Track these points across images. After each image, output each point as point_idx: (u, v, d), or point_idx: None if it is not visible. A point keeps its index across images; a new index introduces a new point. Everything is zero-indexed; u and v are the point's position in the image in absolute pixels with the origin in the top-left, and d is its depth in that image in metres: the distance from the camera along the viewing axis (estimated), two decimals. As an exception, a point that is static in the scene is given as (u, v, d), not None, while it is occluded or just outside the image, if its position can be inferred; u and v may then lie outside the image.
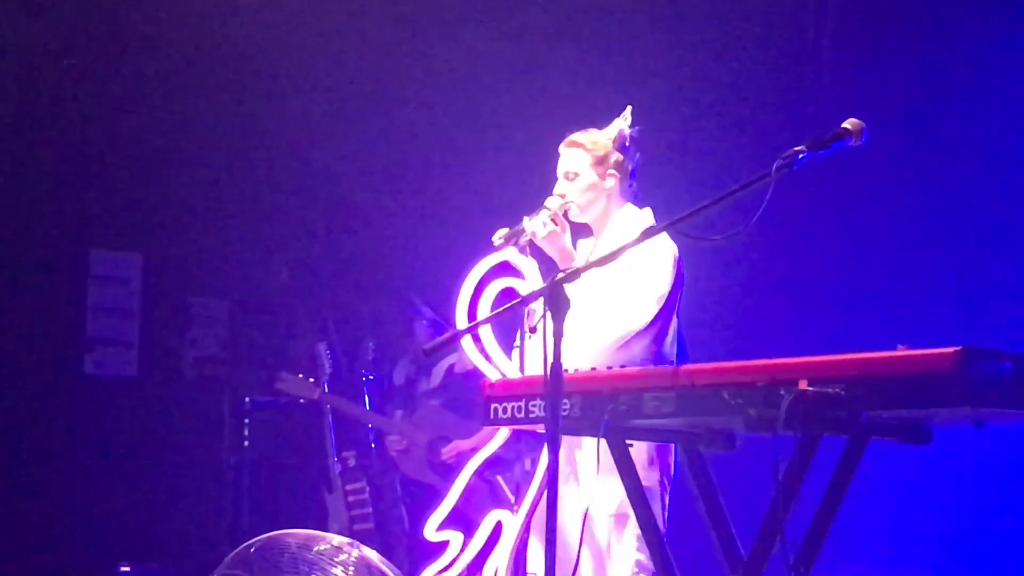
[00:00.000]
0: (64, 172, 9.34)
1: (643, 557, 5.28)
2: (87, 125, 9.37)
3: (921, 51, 8.22)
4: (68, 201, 9.36)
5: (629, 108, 5.55)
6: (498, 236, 5.47)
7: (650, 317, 5.27)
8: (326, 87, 9.66)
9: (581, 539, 4.86)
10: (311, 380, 8.60)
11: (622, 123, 5.54)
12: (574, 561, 4.91)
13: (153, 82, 9.45)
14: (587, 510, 4.98)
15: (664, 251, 5.33)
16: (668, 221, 4.29)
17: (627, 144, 5.53)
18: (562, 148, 5.57)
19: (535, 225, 5.42)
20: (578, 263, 5.50)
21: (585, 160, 5.50)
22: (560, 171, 5.54)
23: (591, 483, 5.12)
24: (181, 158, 9.56)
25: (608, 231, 5.48)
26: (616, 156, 5.51)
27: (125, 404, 9.53)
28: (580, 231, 5.64)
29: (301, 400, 8.69)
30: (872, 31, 8.54)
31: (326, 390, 8.60)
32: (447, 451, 8.13)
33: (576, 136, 5.55)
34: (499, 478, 6.40)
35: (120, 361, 9.71)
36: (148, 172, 9.53)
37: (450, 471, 5.97)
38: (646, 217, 5.48)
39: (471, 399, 6.75)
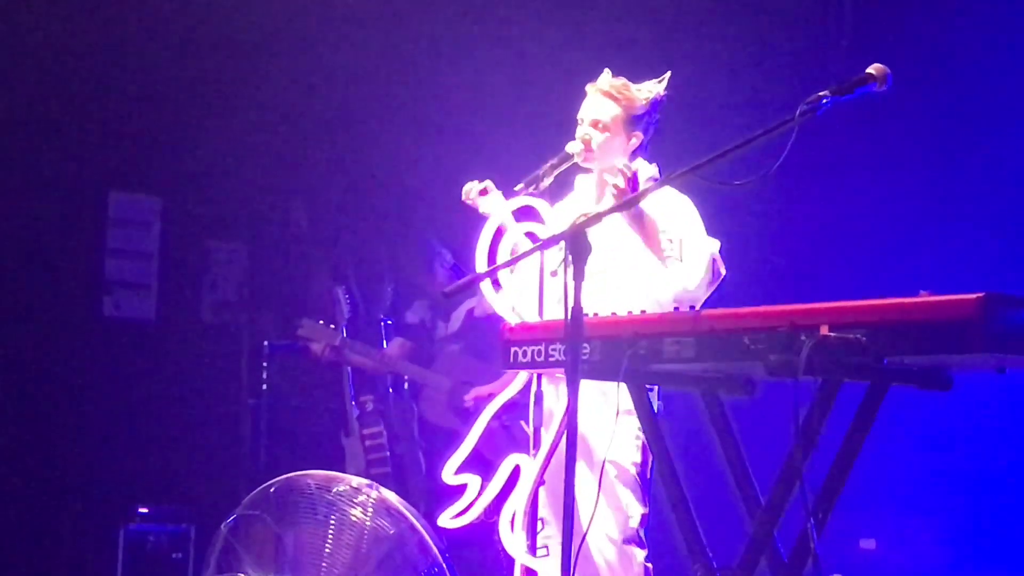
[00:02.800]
0: (84, 115, 9.32)
1: (640, 506, 5.32)
2: (107, 68, 9.35)
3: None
4: (88, 144, 9.35)
5: (668, 74, 5.51)
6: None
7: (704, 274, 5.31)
8: (346, 30, 9.62)
9: (599, 488, 4.88)
10: (331, 326, 8.60)
11: (658, 87, 5.50)
12: (587, 508, 4.94)
13: (174, 24, 9.42)
14: (600, 456, 5.02)
15: (692, 210, 5.35)
16: (691, 165, 4.26)
17: (658, 109, 5.51)
18: (592, 92, 5.51)
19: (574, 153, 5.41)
20: (578, 200, 5.52)
21: (617, 115, 5.46)
22: (586, 115, 5.49)
23: (595, 429, 5.17)
24: (201, 101, 9.54)
25: None
26: (647, 118, 5.49)
27: (143, 347, 9.55)
28: (579, 169, 5.60)
29: (316, 349, 8.67)
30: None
31: (344, 335, 8.59)
32: (469, 396, 8.15)
33: (611, 86, 5.48)
34: (522, 423, 6.41)
35: (139, 304, 9.73)
36: (168, 115, 9.52)
37: (471, 416, 5.99)
38: (655, 173, 5.48)
39: (491, 343, 6.76)
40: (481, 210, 5.58)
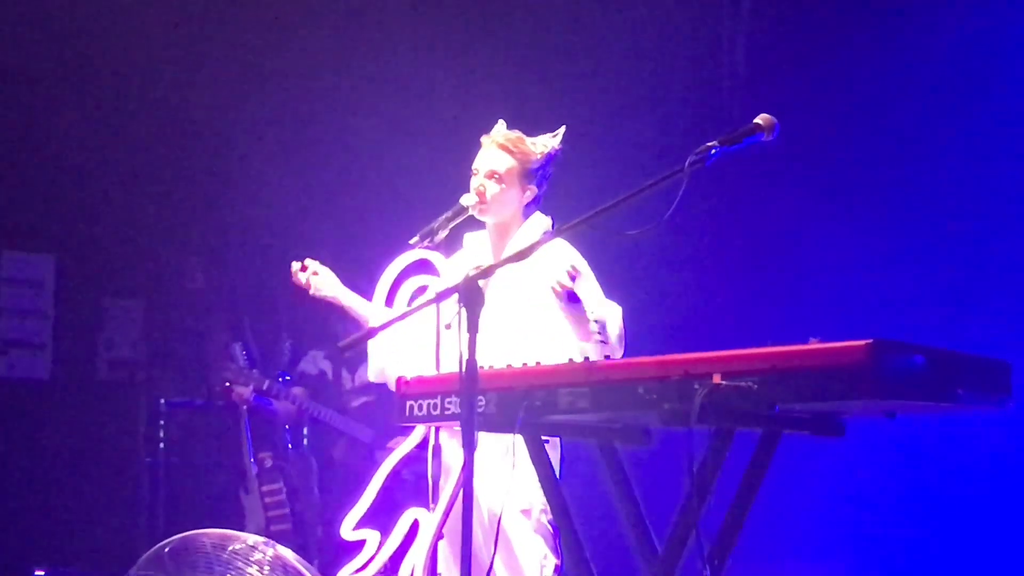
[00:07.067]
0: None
1: (550, 552, 5.29)
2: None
3: (836, 49, 8.27)
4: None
5: (563, 128, 5.52)
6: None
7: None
8: (240, 86, 9.61)
9: (496, 539, 4.86)
10: (255, 371, 8.52)
11: (552, 141, 5.50)
12: (488, 562, 4.91)
13: (65, 83, 9.37)
14: (500, 510, 5.00)
15: (590, 273, 5.36)
16: (583, 216, 4.28)
17: (552, 162, 5.51)
18: (487, 143, 5.48)
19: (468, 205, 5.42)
20: (469, 257, 5.50)
21: (512, 168, 5.43)
22: (481, 166, 5.46)
23: (497, 481, 5.14)
24: (93, 159, 9.48)
25: (519, 235, 5.45)
26: (541, 172, 5.49)
27: (38, 407, 9.46)
28: (468, 225, 5.60)
29: (244, 392, 8.57)
30: (786, 27, 8.61)
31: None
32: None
33: (507, 139, 5.45)
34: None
35: (33, 363, 9.63)
36: (60, 173, 9.46)
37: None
38: (549, 226, 5.47)
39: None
40: (314, 292, 5.62)
